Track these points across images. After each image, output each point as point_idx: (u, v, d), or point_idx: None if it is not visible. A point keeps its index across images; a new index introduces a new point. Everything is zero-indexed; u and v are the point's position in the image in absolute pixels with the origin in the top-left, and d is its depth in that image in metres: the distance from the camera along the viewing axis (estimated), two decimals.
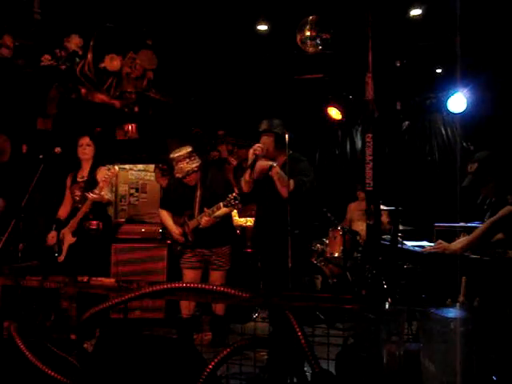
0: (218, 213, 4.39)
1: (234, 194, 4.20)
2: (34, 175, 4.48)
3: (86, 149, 4.74)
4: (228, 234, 4.69)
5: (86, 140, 4.77)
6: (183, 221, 4.60)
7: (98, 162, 4.83)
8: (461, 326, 1.85)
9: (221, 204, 4.27)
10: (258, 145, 4.02)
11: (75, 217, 4.63)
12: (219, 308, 4.67)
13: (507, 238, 3.61)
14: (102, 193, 4.53)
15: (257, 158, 3.97)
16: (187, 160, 4.50)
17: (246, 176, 4.12)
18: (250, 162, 4.02)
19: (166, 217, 4.73)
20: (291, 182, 3.84)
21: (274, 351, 2.87)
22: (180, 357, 2.63)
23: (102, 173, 4.68)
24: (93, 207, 4.59)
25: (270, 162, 3.95)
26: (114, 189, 4.71)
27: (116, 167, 4.66)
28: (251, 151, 3.99)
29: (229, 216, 4.74)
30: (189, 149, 4.56)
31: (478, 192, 3.90)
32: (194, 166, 4.51)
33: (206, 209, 4.43)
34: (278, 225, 3.95)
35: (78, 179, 4.78)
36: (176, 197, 4.69)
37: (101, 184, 4.53)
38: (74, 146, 4.83)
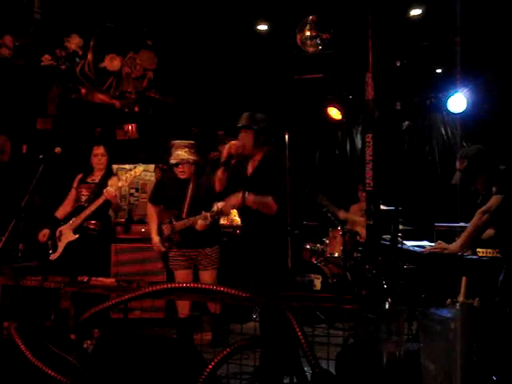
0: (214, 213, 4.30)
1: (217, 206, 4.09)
2: (34, 175, 4.49)
3: (101, 159, 4.84)
4: (214, 235, 4.59)
5: (101, 150, 4.84)
6: (169, 220, 4.53)
7: (111, 170, 4.95)
8: (461, 325, 1.85)
9: (208, 214, 4.20)
10: (233, 142, 3.68)
11: (79, 215, 4.65)
12: (215, 306, 4.65)
13: (497, 234, 3.63)
14: (117, 192, 4.60)
15: (231, 156, 3.67)
16: (185, 149, 4.42)
17: (219, 173, 3.81)
18: (222, 160, 3.74)
19: (151, 217, 4.65)
20: (270, 200, 3.57)
21: (270, 351, 2.86)
22: (180, 357, 2.63)
23: (113, 182, 4.70)
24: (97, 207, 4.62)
25: (239, 196, 3.59)
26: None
27: (140, 167, 4.69)
28: (226, 148, 3.68)
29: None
30: (192, 142, 4.53)
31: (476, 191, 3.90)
32: (190, 157, 4.42)
33: (202, 212, 4.38)
34: (261, 226, 3.74)
35: (88, 180, 4.84)
36: (167, 190, 4.61)
37: (120, 183, 4.59)
38: (74, 146, 4.85)
